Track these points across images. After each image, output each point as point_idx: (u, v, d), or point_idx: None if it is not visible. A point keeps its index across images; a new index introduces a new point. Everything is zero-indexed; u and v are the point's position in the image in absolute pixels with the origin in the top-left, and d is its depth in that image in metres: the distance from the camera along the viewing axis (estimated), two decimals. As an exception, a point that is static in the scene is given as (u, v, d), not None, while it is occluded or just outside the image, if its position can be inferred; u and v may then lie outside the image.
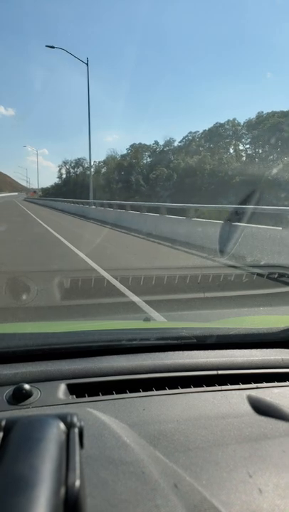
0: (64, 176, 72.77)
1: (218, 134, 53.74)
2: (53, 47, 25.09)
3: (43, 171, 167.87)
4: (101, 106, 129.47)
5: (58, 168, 74.46)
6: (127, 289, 4.65)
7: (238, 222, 7.96)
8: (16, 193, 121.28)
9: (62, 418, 0.60)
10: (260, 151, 51.18)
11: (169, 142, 58.71)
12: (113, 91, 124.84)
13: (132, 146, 61.15)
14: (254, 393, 0.98)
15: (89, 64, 25.30)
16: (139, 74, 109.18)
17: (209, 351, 1.17)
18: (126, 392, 0.97)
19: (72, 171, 69.77)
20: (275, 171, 38.27)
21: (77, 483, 0.49)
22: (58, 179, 76.32)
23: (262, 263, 6.63)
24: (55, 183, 77.25)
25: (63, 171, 72.41)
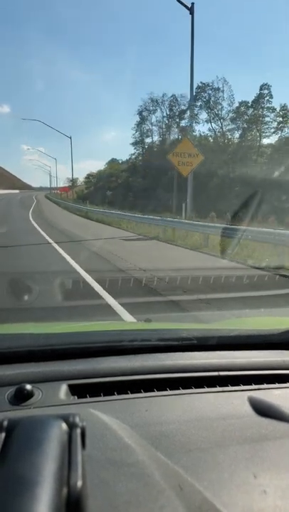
0: (155, 139, 32.26)
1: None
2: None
3: (40, 169, 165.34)
4: (103, 101, 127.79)
5: (136, 123, 35.67)
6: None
7: None
8: (17, 191, 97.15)
9: (65, 418, 0.60)
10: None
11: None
12: (114, 86, 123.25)
13: None
14: (255, 394, 0.98)
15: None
16: (141, 66, 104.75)
17: (210, 352, 1.17)
18: (127, 393, 0.97)
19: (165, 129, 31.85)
20: None
21: (79, 483, 0.49)
22: (134, 149, 36.28)
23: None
24: (128, 160, 35.99)
25: (148, 125, 32.65)
